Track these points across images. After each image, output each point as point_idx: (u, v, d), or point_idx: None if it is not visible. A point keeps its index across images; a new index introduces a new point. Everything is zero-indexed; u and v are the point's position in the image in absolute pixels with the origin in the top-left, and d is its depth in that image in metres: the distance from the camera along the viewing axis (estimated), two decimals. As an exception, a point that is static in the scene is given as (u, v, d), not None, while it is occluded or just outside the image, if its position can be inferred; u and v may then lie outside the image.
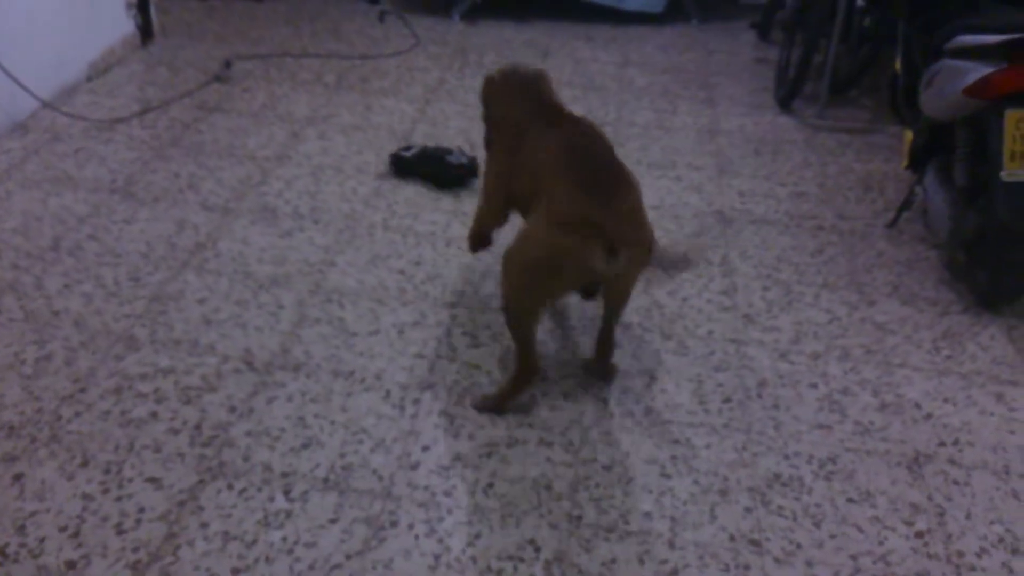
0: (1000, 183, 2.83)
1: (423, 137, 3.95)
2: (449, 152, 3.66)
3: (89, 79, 4.14)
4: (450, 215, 3.39)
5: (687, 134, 4.23)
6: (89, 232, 3.09)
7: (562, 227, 2.22)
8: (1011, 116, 2.81)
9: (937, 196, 3.21)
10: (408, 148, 3.69)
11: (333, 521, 2.13)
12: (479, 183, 2.66)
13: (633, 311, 2.94)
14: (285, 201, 3.38)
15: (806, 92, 4.57)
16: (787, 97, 4.49)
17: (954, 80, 2.96)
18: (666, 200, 3.64)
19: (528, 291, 2.36)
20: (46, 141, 3.62)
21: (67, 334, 2.63)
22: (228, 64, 4.36)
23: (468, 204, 3.43)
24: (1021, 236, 2.86)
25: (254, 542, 2.06)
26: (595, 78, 4.77)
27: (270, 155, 3.69)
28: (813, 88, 4.58)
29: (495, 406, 2.50)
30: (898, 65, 3.62)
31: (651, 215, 3.45)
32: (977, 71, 2.88)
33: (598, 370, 2.66)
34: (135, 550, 2.02)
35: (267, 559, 2.02)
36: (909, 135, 3.45)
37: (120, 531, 2.06)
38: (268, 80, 4.37)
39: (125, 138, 3.71)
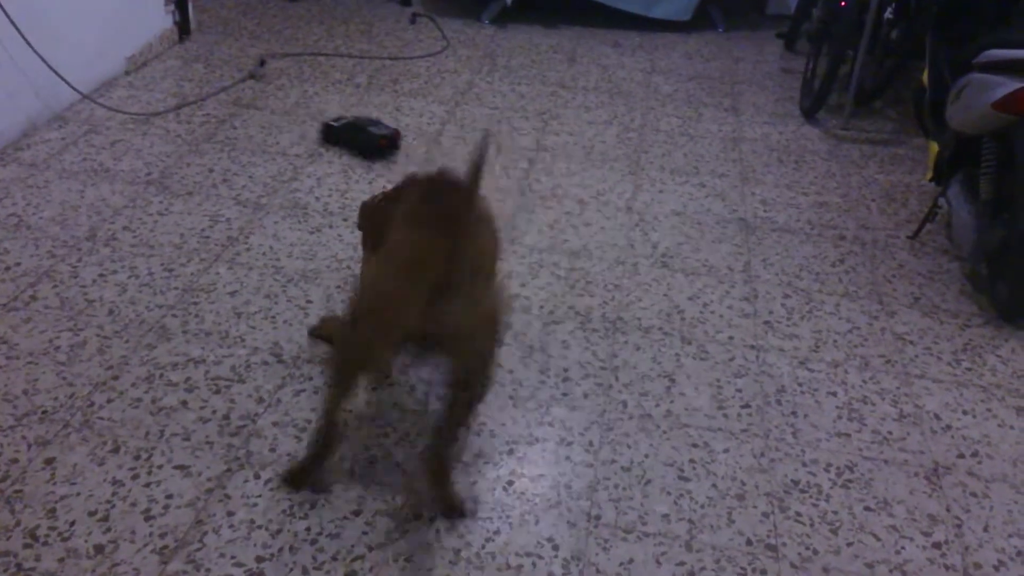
0: (1025, 197, 2.84)
1: (451, 140, 4.00)
2: (374, 123, 3.84)
3: (127, 73, 4.22)
4: (476, 216, 3.43)
5: (711, 141, 4.25)
6: (124, 223, 3.16)
7: (386, 275, 1.95)
8: (1038, 130, 2.83)
9: (962, 209, 3.23)
10: (338, 119, 3.89)
11: (356, 513, 2.18)
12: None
13: (655, 315, 2.98)
14: (315, 198, 3.44)
15: (831, 103, 4.59)
16: (812, 107, 4.51)
17: (983, 94, 2.98)
18: (688, 207, 3.67)
19: (348, 343, 2.09)
20: (84, 133, 3.70)
21: (101, 322, 2.69)
22: (262, 62, 4.42)
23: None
24: (1045, 250, 2.88)
25: (279, 531, 2.11)
26: (621, 84, 4.80)
27: (301, 152, 3.75)
28: (838, 99, 4.60)
29: (293, 480, 2.22)
30: (925, 78, 3.64)
31: (673, 221, 3.52)
32: (1007, 86, 2.89)
33: (436, 501, 2.21)
34: (162, 536, 2.07)
35: (291, 548, 2.07)
36: (934, 147, 3.47)
37: (148, 517, 2.11)
38: (301, 79, 4.43)
39: (161, 132, 3.78)
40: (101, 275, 2.89)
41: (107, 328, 2.67)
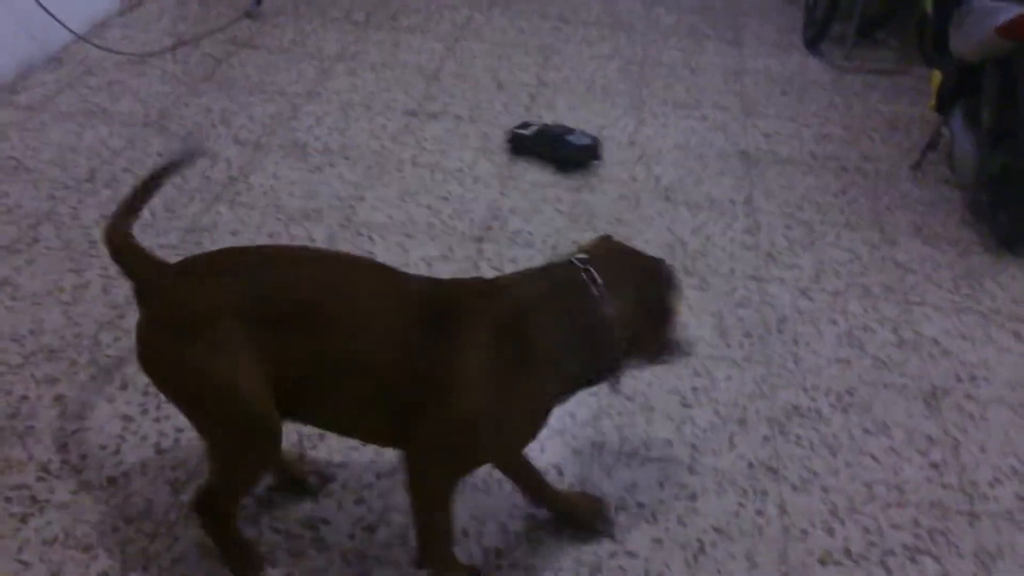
0: (1027, 123, 2.83)
1: (451, 77, 3.97)
2: (570, 131, 3.45)
3: (121, 13, 4.17)
4: (477, 152, 3.43)
5: (714, 74, 4.22)
6: (124, 165, 3.15)
7: None
8: (1041, 55, 2.81)
9: (963, 137, 3.21)
10: (526, 126, 3.49)
11: (354, 448, 2.21)
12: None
13: (657, 248, 2.98)
14: (315, 137, 3.43)
15: (834, 33, 4.54)
16: (815, 38, 4.46)
17: (986, 20, 2.95)
18: (691, 140, 3.65)
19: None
20: (80, 74, 3.67)
21: (104, 263, 2.70)
22: (259, 0, 4.37)
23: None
24: (1046, 176, 2.88)
25: (289, 461, 2.14)
26: (623, 17, 4.74)
27: (300, 91, 3.73)
28: (841, 29, 4.55)
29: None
30: (928, 5, 3.59)
31: (676, 154, 3.50)
32: (1010, 10, 2.86)
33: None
34: (174, 468, 2.10)
35: (301, 477, 2.10)
36: (937, 76, 3.44)
37: (159, 450, 2.14)
38: (298, 16, 4.38)
39: (158, 72, 3.75)
40: (103, 216, 2.89)
41: (110, 268, 2.68)
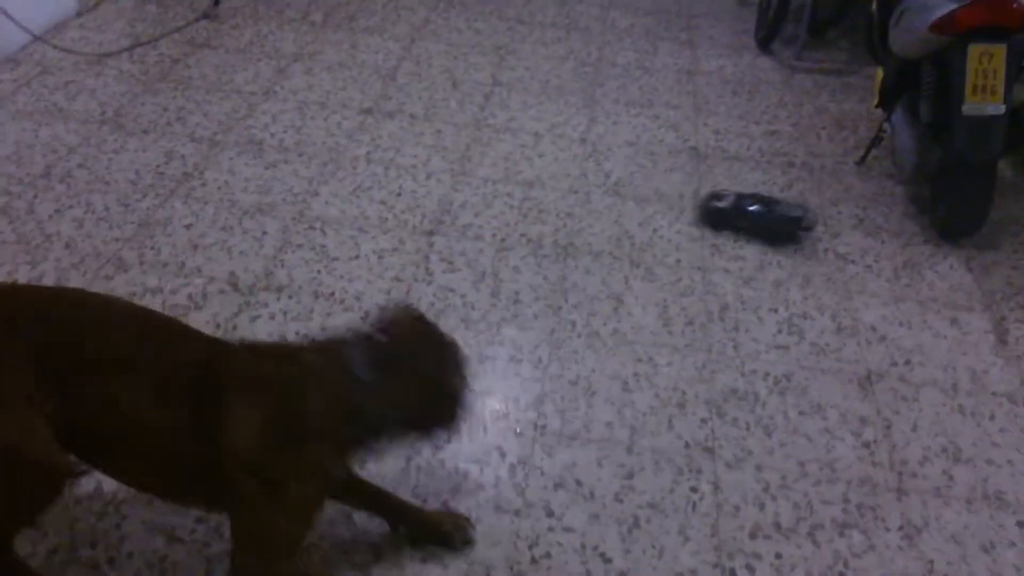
0: (961, 116, 2.92)
1: (407, 76, 4.03)
2: (776, 202, 3.15)
3: (79, 14, 4.21)
4: (431, 149, 3.48)
5: (666, 74, 4.30)
6: (79, 161, 3.19)
7: None
8: (974, 50, 2.90)
9: (904, 132, 3.31)
10: (718, 196, 3.18)
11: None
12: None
13: (605, 240, 3.05)
14: (271, 134, 3.47)
15: (786, 34, 4.63)
16: (766, 39, 4.56)
17: (921, 16, 3.04)
18: (642, 137, 3.73)
19: None
20: (37, 74, 3.70)
21: (58, 256, 2.73)
22: (216, 1, 4.41)
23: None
24: (979, 168, 2.97)
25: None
26: (579, 19, 4.82)
27: (257, 90, 3.78)
28: (793, 30, 4.65)
29: None
30: (874, 4, 3.69)
31: (627, 151, 3.58)
32: (942, 8, 2.96)
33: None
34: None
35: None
36: (880, 73, 3.54)
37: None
38: (256, 17, 4.43)
39: (115, 72, 3.79)
40: (57, 211, 2.93)
41: (64, 261, 2.72)
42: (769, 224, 3.10)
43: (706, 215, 3.18)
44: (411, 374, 1.68)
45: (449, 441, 2.20)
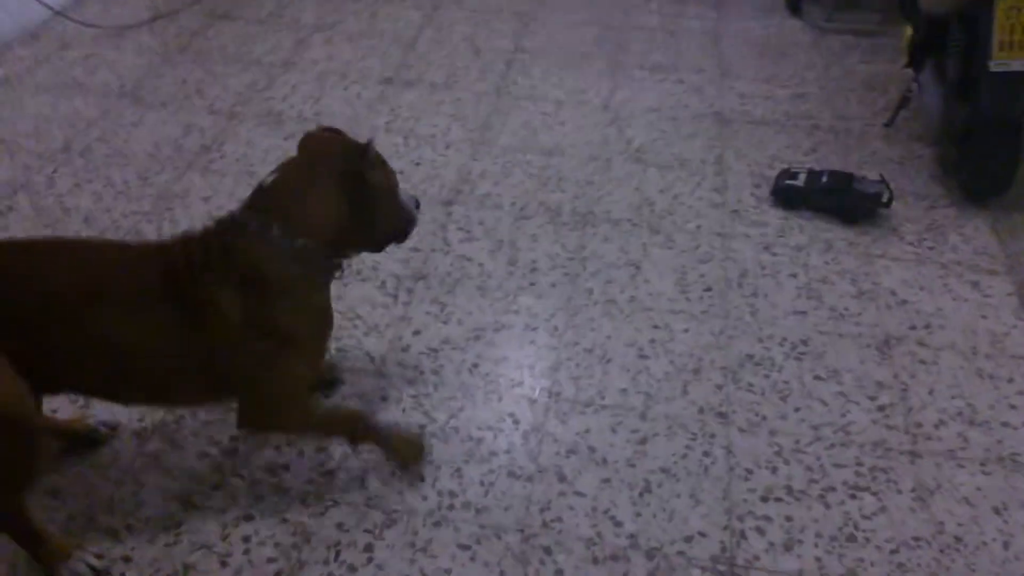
0: (988, 73, 2.85)
1: (428, 44, 4.01)
2: (851, 177, 3.06)
3: (101, -11, 4.24)
4: (451, 119, 3.47)
5: (692, 38, 4.24)
6: (98, 135, 3.22)
7: None
8: (1001, 5, 2.82)
9: (931, 92, 3.24)
10: (793, 174, 3.12)
11: (327, 396, 2.28)
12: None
13: (625, 208, 3.03)
14: (290, 106, 3.48)
15: (815, -6, 4.54)
16: (796, 0, 4.47)
17: (947, -28, 2.97)
18: (665, 102, 3.68)
19: None
20: (56, 48, 3.74)
21: (78, 229, 2.77)
22: (238, -26, 4.42)
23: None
24: (1005, 127, 2.90)
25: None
26: (603, -16, 4.76)
27: (276, 61, 3.78)
28: (822, -10, 4.56)
29: None
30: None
31: (649, 117, 3.54)
32: (970, -38, 2.88)
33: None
34: (140, 419, 2.18)
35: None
36: (908, 32, 3.46)
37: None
38: (277, -11, 4.43)
39: (134, 45, 3.82)
40: (76, 185, 2.97)
41: (83, 233, 2.76)
42: (846, 202, 3.02)
43: (780, 193, 3.10)
44: (314, 189, 1.75)
45: (401, 241, 2.04)
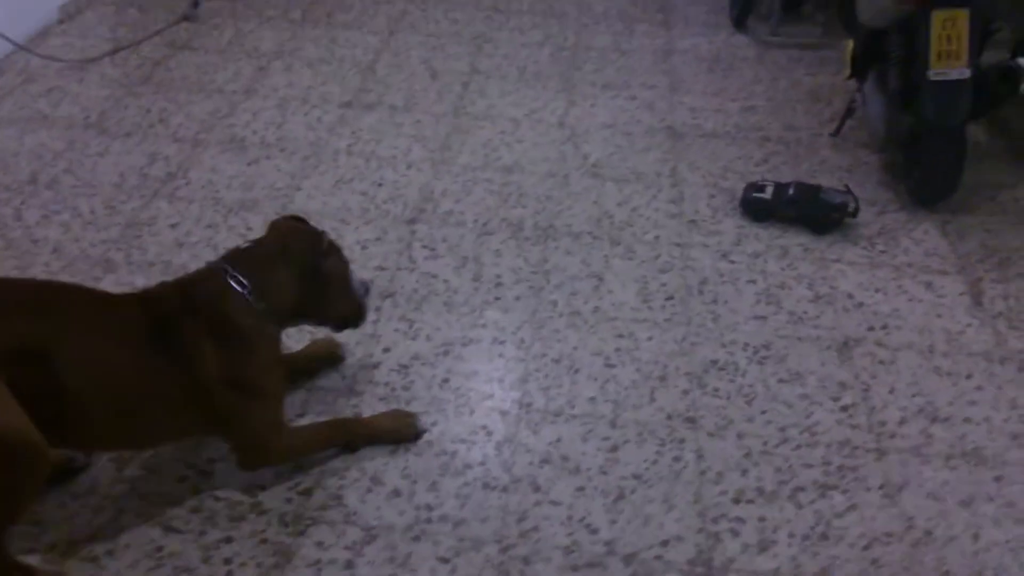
0: (928, 82, 2.97)
1: (387, 68, 4.07)
2: (817, 188, 3.14)
3: (61, 22, 4.25)
4: (411, 139, 3.53)
5: (642, 55, 4.34)
6: (65, 166, 3.23)
7: None
8: (937, 16, 2.94)
9: (874, 101, 3.35)
10: (761, 187, 3.19)
11: (300, 416, 2.31)
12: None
13: (585, 221, 3.10)
14: (252, 132, 3.52)
15: (760, 11, 4.67)
16: (741, 16, 4.60)
17: (885, -14, 3.09)
18: (619, 118, 3.77)
19: None
20: (20, 82, 3.75)
21: (47, 260, 2.78)
22: (196, 3, 4.45)
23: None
24: (948, 133, 3.02)
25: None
26: (555, 5, 4.86)
27: (238, 89, 3.82)
28: (767, 6, 4.68)
29: None
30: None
31: (604, 133, 3.62)
32: (906, -24, 3.00)
33: None
34: (119, 449, 2.19)
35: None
36: (850, 44, 3.58)
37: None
38: (235, 17, 4.47)
39: (97, 77, 3.83)
40: (44, 216, 2.97)
41: (53, 264, 2.77)
42: (813, 212, 3.10)
43: (748, 207, 3.19)
44: (279, 267, 2.02)
45: (356, 326, 2.31)
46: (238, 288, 1.95)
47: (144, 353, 1.84)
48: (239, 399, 1.95)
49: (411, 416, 2.29)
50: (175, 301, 1.91)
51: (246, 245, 2.06)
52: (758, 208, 3.16)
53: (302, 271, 2.05)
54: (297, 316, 2.12)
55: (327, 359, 2.48)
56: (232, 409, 1.95)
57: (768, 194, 3.15)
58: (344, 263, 2.21)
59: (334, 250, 2.16)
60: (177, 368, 1.86)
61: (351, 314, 2.26)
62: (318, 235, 2.13)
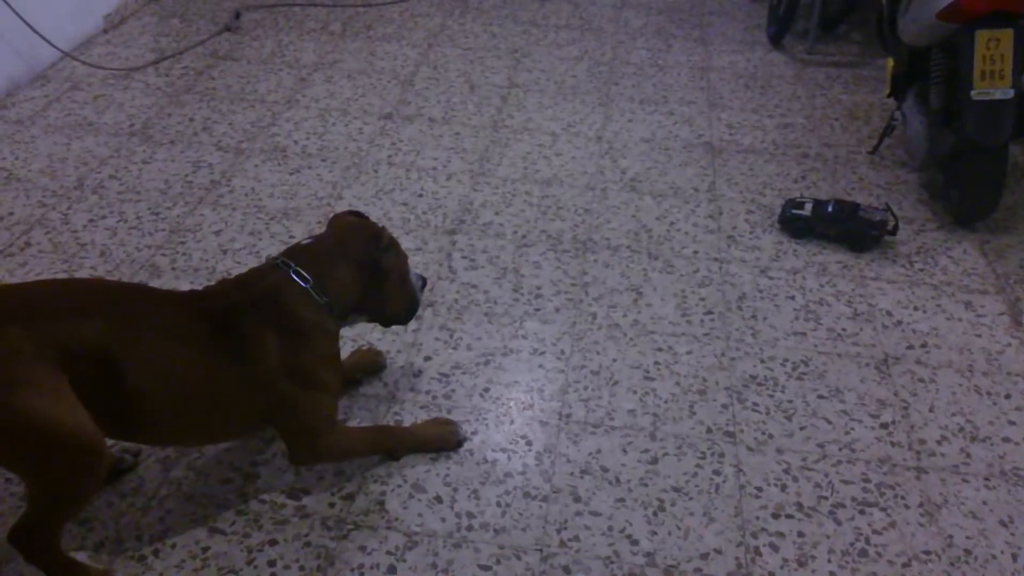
0: (970, 102, 2.97)
1: (425, 81, 4.11)
2: (856, 206, 3.13)
3: (105, 31, 4.33)
4: (450, 151, 3.56)
5: (680, 71, 4.36)
6: (111, 172, 3.29)
7: None
8: (981, 36, 2.94)
9: (915, 120, 3.35)
10: (798, 204, 3.19)
11: (344, 421, 2.34)
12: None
13: (623, 235, 3.12)
14: (294, 141, 3.56)
15: (797, 29, 4.69)
16: (778, 34, 4.61)
17: (928, 5, 3.08)
18: (657, 133, 3.79)
19: None
20: (66, 90, 3.82)
21: (94, 263, 2.83)
22: (238, 15, 4.52)
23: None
24: (990, 152, 3.01)
25: (272, 438, 2.27)
26: (592, 20, 4.89)
27: (279, 99, 3.87)
28: (804, 25, 4.70)
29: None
30: (883, -4, 3.74)
31: (642, 148, 3.64)
32: (950, -5, 3.00)
33: None
34: (163, 447, 2.22)
35: (284, 454, 2.23)
36: (890, 63, 3.59)
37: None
38: (276, 29, 4.53)
39: (141, 85, 3.90)
40: (91, 220, 3.03)
41: (100, 268, 2.82)
42: (852, 230, 3.10)
43: (787, 224, 3.19)
44: (340, 262, 2.05)
45: (405, 322, 2.32)
46: (300, 283, 1.98)
47: (206, 349, 1.87)
48: (298, 390, 1.97)
49: (453, 424, 2.31)
50: (236, 296, 1.94)
51: (307, 241, 2.09)
52: (797, 225, 3.16)
53: (361, 266, 2.08)
54: (357, 311, 2.14)
55: (370, 368, 2.50)
56: (290, 400, 1.98)
57: (807, 211, 3.15)
58: (403, 258, 2.23)
59: (393, 245, 2.18)
60: (240, 362, 1.89)
61: (408, 309, 2.29)
62: (378, 230, 2.15)
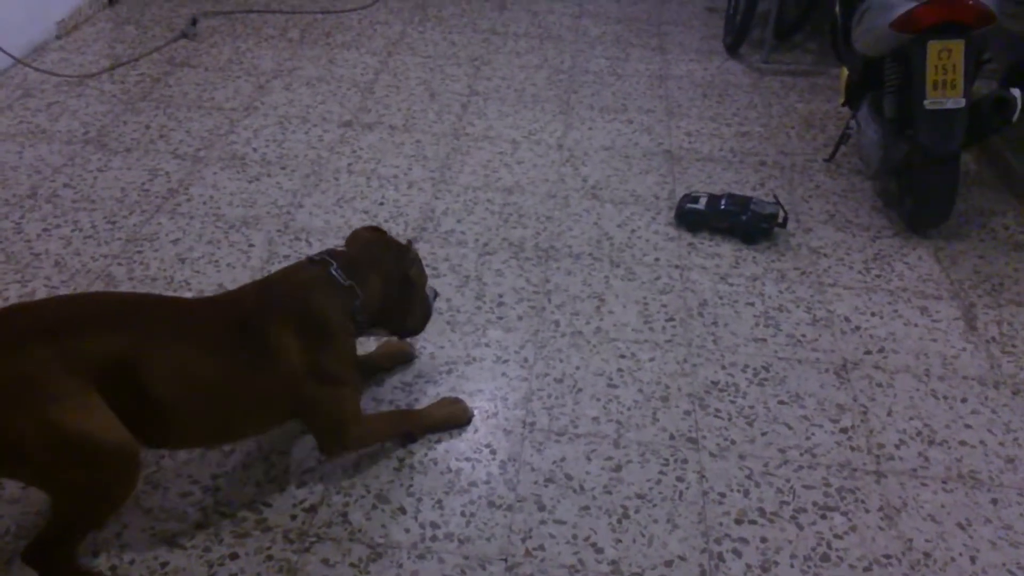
0: (923, 111, 3.02)
1: (385, 89, 4.10)
2: (748, 199, 3.23)
3: (58, 37, 4.25)
4: (411, 159, 3.55)
5: (638, 80, 4.39)
6: (65, 181, 3.23)
7: None
8: (933, 47, 3.00)
9: (869, 129, 3.40)
10: (695, 198, 3.27)
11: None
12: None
13: (585, 242, 3.13)
14: (253, 149, 3.53)
15: (753, 38, 4.74)
16: (734, 43, 4.67)
17: (882, 15, 3.14)
18: (617, 142, 3.81)
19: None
20: (19, 97, 3.75)
21: (48, 273, 2.78)
22: (194, 21, 4.47)
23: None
24: (943, 161, 3.07)
25: (231, 450, 2.24)
26: (551, 29, 4.91)
27: (237, 107, 3.83)
28: (760, 34, 4.76)
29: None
30: (837, 5, 3.80)
31: (603, 155, 3.66)
32: (903, 6, 3.06)
33: None
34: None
35: (244, 465, 2.20)
36: (845, 72, 3.64)
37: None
38: (233, 36, 4.49)
39: (96, 92, 3.84)
40: (45, 230, 2.97)
41: (54, 278, 2.77)
42: (744, 222, 3.18)
43: (682, 218, 3.26)
44: (378, 276, 2.14)
45: (416, 333, 2.41)
46: (340, 279, 2.04)
47: (231, 354, 1.89)
48: (324, 389, 2.03)
49: (461, 402, 2.40)
50: (259, 298, 1.99)
51: (338, 250, 2.17)
52: (691, 218, 3.24)
53: (391, 279, 2.17)
54: (377, 324, 2.21)
55: (400, 358, 2.57)
56: (318, 399, 2.03)
57: (701, 205, 3.24)
58: (424, 274, 2.33)
59: (418, 260, 2.27)
60: (265, 365, 1.92)
61: (424, 320, 2.38)
62: (405, 246, 2.24)
